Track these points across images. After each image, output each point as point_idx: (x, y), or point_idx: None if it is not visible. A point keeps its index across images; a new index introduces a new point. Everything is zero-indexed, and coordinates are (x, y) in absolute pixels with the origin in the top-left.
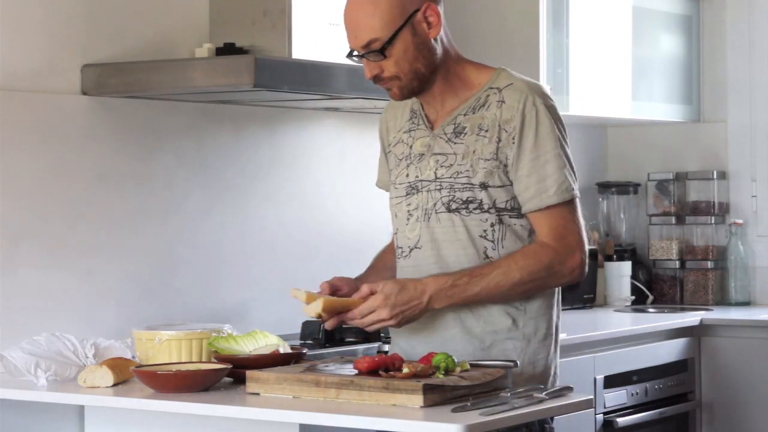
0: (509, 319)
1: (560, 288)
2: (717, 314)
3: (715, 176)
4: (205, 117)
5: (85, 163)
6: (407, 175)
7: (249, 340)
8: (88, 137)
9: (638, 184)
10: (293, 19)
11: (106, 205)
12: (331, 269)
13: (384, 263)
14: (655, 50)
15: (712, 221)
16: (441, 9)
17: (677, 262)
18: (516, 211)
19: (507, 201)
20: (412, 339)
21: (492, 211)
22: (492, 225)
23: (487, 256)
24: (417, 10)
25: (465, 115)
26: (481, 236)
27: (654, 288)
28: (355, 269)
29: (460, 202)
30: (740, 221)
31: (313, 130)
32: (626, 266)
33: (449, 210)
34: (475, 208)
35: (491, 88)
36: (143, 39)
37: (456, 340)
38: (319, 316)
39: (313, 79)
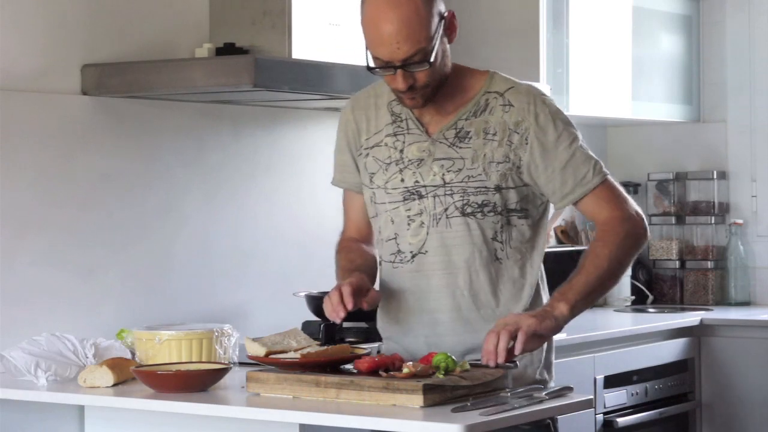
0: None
1: (541, 286)
2: (717, 314)
3: (715, 176)
4: (204, 117)
5: (85, 163)
6: (402, 180)
7: None
8: (88, 137)
9: (638, 184)
10: (293, 19)
11: (106, 205)
12: (330, 269)
13: (368, 263)
14: (655, 50)
15: (712, 221)
16: None
17: (677, 262)
18: (524, 211)
19: (516, 202)
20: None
21: (503, 212)
22: (501, 226)
23: (497, 258)
24: (444, 16)
25: (467, 119)
26: (492, 238)
27: (654, 288)
28: None
29: (476, 205)
30: (740, 221)
31: (313, 130)
32: None
33: (464, 214)
34: (489, 211)
35: (489, 92)
36: (143, 39)
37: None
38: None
39: (313, 79)
